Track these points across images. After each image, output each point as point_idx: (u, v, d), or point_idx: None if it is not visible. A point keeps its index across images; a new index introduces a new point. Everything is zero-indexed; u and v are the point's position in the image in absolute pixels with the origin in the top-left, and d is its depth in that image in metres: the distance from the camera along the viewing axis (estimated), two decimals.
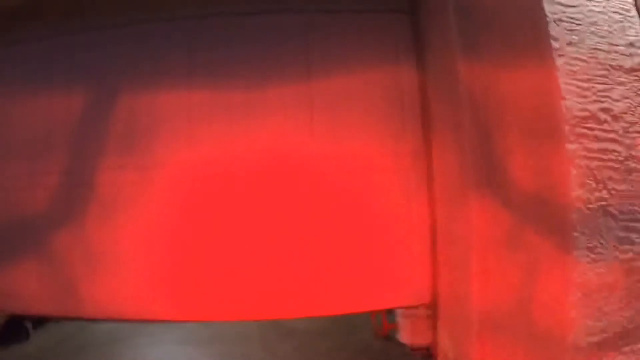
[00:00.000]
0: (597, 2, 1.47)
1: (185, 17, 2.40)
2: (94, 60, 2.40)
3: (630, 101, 1.45)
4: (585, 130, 1.37)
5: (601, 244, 1.36)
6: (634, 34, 1.51)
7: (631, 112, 1.45)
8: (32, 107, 2.41)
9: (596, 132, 1.38)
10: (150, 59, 2.37)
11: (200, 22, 2.39)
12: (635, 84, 1.47)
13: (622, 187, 1.40)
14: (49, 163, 2.33)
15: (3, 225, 2.30)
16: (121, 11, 2.43)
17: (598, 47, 1.44)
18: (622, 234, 1.39)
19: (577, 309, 1.32)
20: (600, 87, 1.41)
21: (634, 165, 1.43)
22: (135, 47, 2.39)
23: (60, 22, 2.44)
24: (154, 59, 2.37)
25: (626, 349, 1.39)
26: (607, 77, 1.43)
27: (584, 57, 1.41)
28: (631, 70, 1.47)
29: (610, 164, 1.39)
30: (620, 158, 1.41)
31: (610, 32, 1.47)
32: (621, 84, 1.45)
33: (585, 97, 1.38)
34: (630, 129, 1.44)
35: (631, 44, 1.50)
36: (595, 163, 1.37)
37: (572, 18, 1.42)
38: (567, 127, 1.35)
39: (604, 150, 1.39)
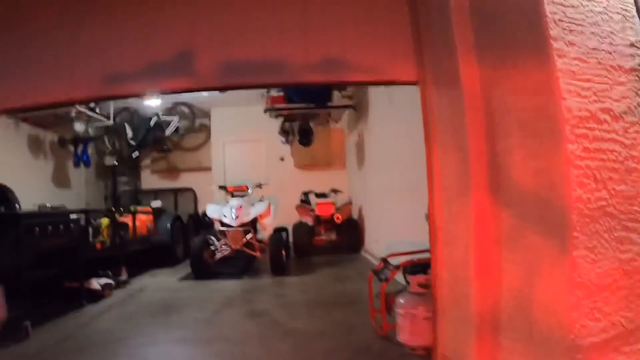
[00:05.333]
0: (597, 2, 1.47)
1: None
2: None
3: (630, 101, 1.45)
4: (585, 130, 1.37)
5: (601, 244, 1.36)
6: (634, 34, 1.51)
7: (631, 112, 1.45)
8: None
9: (596, 132, 1.38)
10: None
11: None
12: (635, 84, 1.47)
13: (622, 187, 1.40)
14: None
15: None
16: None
17: (598, 47, 1.44)
18: (622, 234, 1.39)
19: (577, 309, 1.32)
20: (600, 87, 1.41)
21: (634, 165, 1.43)
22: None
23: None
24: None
25: (626, 349, 1.39)
26: (607, 77, 1.43)
27: (584, 57, 1.41)
28: (631, 70, 1.47)
29: (610, 164, 1.39)
30: (620, 158, 1.41)
31: (610, 33, 1.47)
32: (621, 84, 1.45)
33: (585, 97, 1.38)
34: (630, 129, 1.44)
35: (631, 44, 1.50)
36: (595, 163, 1.37)
37: (572, 18, 1.42)
38: (567, 127, 1.35)
39: (604, 150, 1.39)
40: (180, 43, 2.40)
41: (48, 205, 4.94)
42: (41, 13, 2.42)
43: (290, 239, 6.97)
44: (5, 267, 3.43)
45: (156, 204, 7.14)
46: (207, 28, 2.41)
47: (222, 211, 5.84)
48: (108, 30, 2.43)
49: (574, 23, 1.42)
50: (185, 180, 9.14)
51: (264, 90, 6.84)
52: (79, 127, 6.68)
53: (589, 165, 1.36)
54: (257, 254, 5.86)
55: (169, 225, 6.78)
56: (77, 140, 7.04)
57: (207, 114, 9.11)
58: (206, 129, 9.21)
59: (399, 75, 2.35)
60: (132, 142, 7.89)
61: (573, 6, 1.43)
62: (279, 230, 6.29)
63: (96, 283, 4.58)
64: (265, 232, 6.21)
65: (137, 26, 2.43)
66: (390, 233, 5.42)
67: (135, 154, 8.20)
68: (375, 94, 6.21)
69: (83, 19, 2.42)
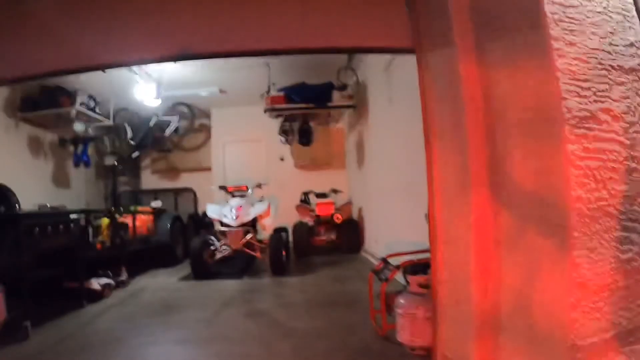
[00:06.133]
0: (597, 2, 1.47)
1: None
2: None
3: (630, 101, 1.45)
4: (585, 131, 1.37)
5: (601, 244, 1.36)
6: (634, 34, 1.51)
7: (631, 112, 1.45)
8: None
9: (596, 132, 1.38)
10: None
11: None
12: (635, 84, 1.47)
13: (622, 187, 1.40)
14: None
15: None
16: None
17: (598, 47, 1.44)
18: (622, 234, 1.39)
19: (577, 309, 1.32)
20: (600, 87, 1.41)
21: (634, 165, 1.43)
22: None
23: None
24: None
25: (626, 349, 1.39)
26: (607, 77, 1.43)
27: (584, 58, 1.41)
28: (631, 70, 1.47)
29: (610, 164, 1.39)
30: (620, 158, 1.41)
31: (610, 33, 1.47)
32: (621, 84, 1.45)
33: (585, 97, 1.38)
34: (630, 129, 1.44)
35: (631, 44, 1.50)
36: (595, 163, 1.37)
37: (572, 18, 1.42)
38: (567, 127, 1.35)
39: (604, 150, 1.39)
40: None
41: (48, 205, 4.94)
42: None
43: (290, 239, 6.97)
44: (6, 267, 3.43)
45: (156, 204, 7.14)
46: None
47: (222, 211, 5.84)
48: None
49: (574, 23, 1.42)
50: (185, 180, 9.15)
51: (264, 90, 6.85)
52: (79, 127, 6.68)
53: (589, 165, 1.36)
54: (257, 254, 5.86)
55: (168, 225, 6.78)
56: (77, 140, 7.05)
57: (207, 114, 9.11)
58: (206, 129, 9.21)
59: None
60: (132, 142, 7.90)
61: (573, 6, 1.43)
62: (279, 231, 6.29)
63: (96, 283, 4.59)
64: (265, 232, 6.21)
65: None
66: (390, 233, 5.42)
67: (135, 154, 8.21)
68: (375, 94, 6.21)
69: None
